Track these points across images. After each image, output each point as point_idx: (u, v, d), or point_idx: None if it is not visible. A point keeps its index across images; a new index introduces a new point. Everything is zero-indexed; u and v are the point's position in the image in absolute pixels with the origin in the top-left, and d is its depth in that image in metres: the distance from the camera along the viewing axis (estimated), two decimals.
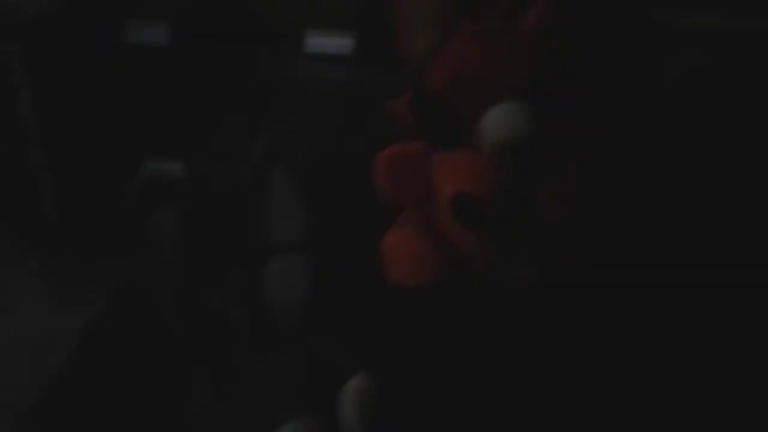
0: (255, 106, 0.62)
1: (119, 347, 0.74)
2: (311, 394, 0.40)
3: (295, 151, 0.43)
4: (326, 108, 0.48)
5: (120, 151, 1.52)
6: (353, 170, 0.64)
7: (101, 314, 0.84)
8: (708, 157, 0.72)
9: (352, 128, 0.66)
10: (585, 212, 0.69)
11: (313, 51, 0.61)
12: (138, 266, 0.93)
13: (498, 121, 0.63)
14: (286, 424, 0.39)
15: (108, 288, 1.15)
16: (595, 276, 0.70)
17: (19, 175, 1.47)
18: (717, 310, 0.60)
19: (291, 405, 0.40)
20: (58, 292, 1.44)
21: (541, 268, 0.69)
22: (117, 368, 0.71)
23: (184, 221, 0.37)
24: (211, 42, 1.01)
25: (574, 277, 0.70)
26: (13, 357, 1.29)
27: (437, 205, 0.69)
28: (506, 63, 0.65)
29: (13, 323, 1.37)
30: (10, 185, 1.49)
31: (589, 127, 0.71)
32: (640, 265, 0.70)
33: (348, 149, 0.65)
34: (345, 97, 0.66)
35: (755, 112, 0.74)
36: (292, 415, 0.39)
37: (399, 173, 0.70)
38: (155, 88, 1.49)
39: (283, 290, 0.42)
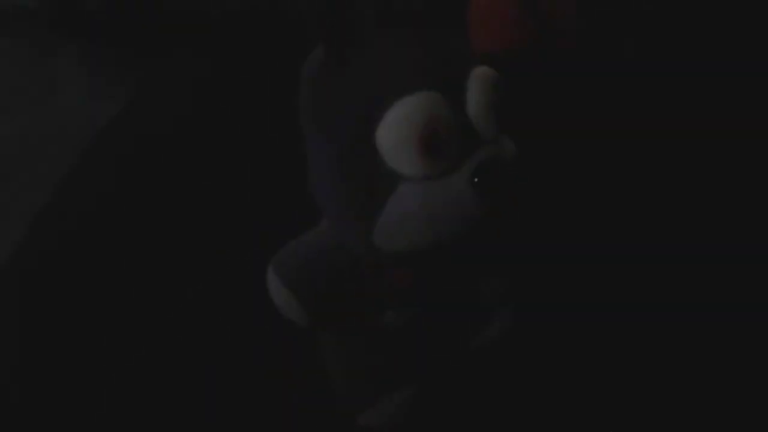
0: None
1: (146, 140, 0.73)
2: (435, 72, 0.38)
3: None
4: None
5: None
6: None
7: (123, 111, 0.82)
8: None
9: None
10: None
11: None
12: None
13: None
14: (412, 94, 0.36)
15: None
16: None
17: None
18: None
19: (417, 79, 0.37)
20: (96, 81, 1.42)
21: (637, 47, 0.65)
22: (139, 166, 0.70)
23: None
24: None
25: None
26: (47, 145, 1.29)
27: None
28: None
29: (51, 111, 1.36)
30: None
31: None
32: None
33: None
34: None
35: None
36: (417, 87, 0.37)
37: None
38: None
39: None
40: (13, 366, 0.58)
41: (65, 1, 1.47)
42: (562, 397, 0.52)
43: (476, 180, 0.37)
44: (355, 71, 0.38)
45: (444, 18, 0.41)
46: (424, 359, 0.48)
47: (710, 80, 0.68)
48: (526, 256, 0.49)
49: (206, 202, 0.66)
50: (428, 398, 0.49)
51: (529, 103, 0.51)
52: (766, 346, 0.55)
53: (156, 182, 0.69)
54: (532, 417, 0.52)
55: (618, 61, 0.66)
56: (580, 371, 0.53)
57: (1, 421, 0.54)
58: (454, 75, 0.38)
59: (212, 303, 0.59)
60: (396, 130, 0.37)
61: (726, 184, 0.64)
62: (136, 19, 1.45)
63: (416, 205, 0.38)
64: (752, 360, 0.55)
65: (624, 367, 0.54)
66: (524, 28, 0.66)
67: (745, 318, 0.56)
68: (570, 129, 0.63)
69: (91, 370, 0.56)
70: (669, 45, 0.68)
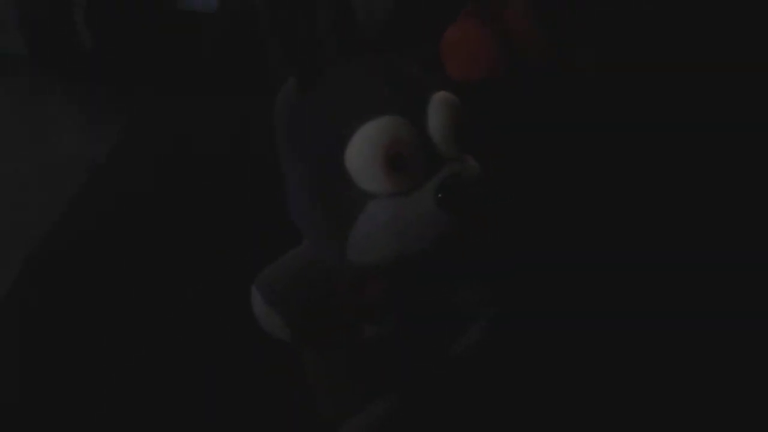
0: None
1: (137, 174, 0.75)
2: (397, 98, 0.41)
3: None
4: None
5: None
6: None
7: (119, 142, 0.84)
8: None
9: None
10: None
11: None
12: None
13: None
14: (376, 119, 0.40)
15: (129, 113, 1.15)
16: None
17: (56, 4, 1.46)
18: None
19: (380, 104, 0.41)
20: (88, 121, 1.45)
21: (598, 55, 0.69)
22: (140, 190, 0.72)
23: None
24: None
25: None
26: (40, 181, 1.31)
27: None
28: None
29: (44, 149, 1.39)
30: (47, 14, 1.49)
31: None
32: None
33: None
34: None
35: None
36: (381, 111, 0.40)
37: None
38: None
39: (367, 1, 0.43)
40: (14, 365, 0.60)
41: (56, 44, 1.50)
42: (543, 405, 0.54)
43: (440, 196, 0.40)
44: (323, 99, 0.42)
45: (404, 45, 0.44)
46: (404, 369, 0.50)
47: (671, 92, 0.71)
48: (499, 268, 0.52)
49: (204, 213, 0.68)
50: (409, 407, 0.51)
51: (496, 123, 0.54)
52: (760, 353, 0.57)
53: (154, 204, 0.71)
54: (513, 425, 0.54)
55: (581, 77, 0.69)
56: (559, 378, 0.56)
57: (1, 420, 0.56)
58: (416, 99, 0.41)
59: (212, 303, 0.61)
60: (363, 152, 0.40)
61: (701, 191, 0.66)
62: (129, 58, 1.48)
63: (385, 221, 0.41)
64: (744, 368, 0.57)
65: (604, 374, 0.56)
66: (496, 59, 0.70)
67: (731, 326, 0.58)
68: (538, 145, 0.66)
69: (91, 369, 0.58)
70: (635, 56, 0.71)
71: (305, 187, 0.43)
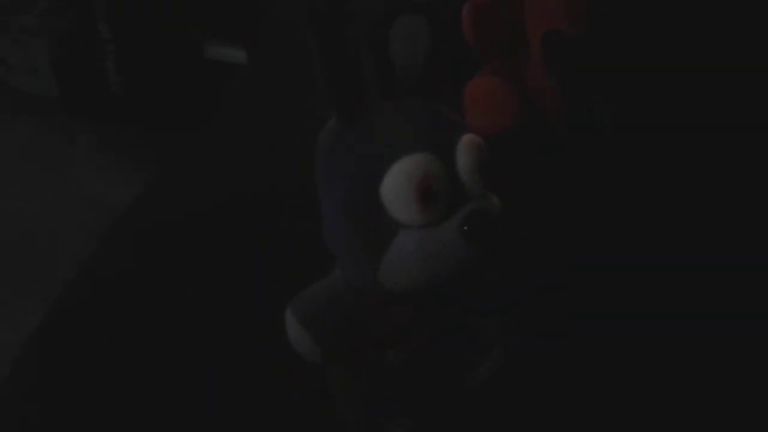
0: None
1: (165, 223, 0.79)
2: (430, 137, 0.46)
3: None
4: None
5: (183, 33, 1.56)
6: None
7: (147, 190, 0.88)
8: None
9: None
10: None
11: None
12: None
13: None
14: (411, 155, 0.44)
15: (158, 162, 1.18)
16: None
17: (87, 50, 1.52)
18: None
19: (415, 142, 0.45)
20: (115, 166, 1.50)
21: (619, 117, 0.73)
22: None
23: None
24: None
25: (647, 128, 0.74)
26: (63, 226, 1.35)
27: (525, 48, 0.73)
28: None
29: (66, 193, 1.43)
30: (77, 60, 1.54)
31: None
32: None
33: None
34: None
35: None
36: (415, 149, 0.45)
37: (485, 21, 0.74)
38: None
39: (405, 50, 0.48)
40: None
41: (86, 88, 1.55)
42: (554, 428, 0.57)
43: (465, 228, 0.45)
44: (363, 135, 0.47)
45: (436, 95, 0.49)
46: (421, 394, 0.54)
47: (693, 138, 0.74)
48: (518, 297, 0.55)
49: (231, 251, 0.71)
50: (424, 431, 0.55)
51: (516, 166, 0.59)
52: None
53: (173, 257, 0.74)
54: None
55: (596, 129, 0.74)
56: (577, 406, 0.59)
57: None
58: (446, 139, 0.46)
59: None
60: (397, 184, 0.44)
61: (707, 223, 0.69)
62: (157, 104, 1.53)
63: (414, 250, 0.45)
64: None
65: (620, 407, 0.59)
66: (515, 114, 0.75)
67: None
68: (556, 189, 0.70)
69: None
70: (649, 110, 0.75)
71: (342, 216, 0.47)
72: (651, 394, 0.59)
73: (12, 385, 0.64)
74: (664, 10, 0.74)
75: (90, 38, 1.49)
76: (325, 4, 0.42)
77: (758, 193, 0.72)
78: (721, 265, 0.65)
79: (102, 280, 0.74)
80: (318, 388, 0.55)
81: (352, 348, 0.51)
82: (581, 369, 0.60)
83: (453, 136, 0.46)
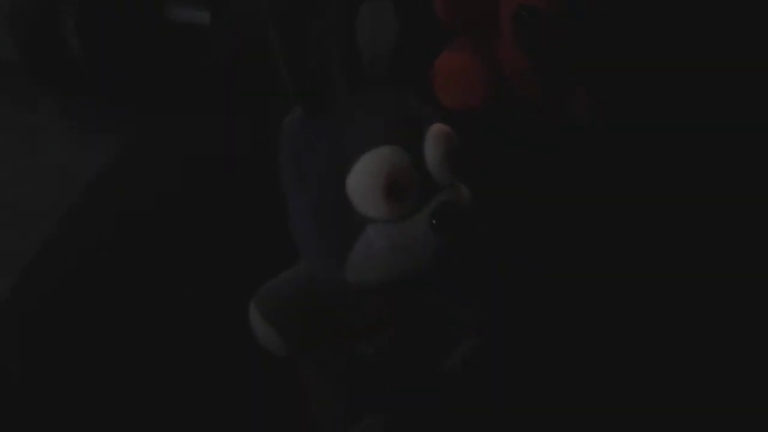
0: None
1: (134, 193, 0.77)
2: (396, 129, 0.45)
3: None
4: None
5: None
6: None
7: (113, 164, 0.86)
8: None
9: None
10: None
11: None
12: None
13: None
14: (376, 148, 0.43)
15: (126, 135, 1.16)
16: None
17: (45, 13, 1.48)
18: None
19: (380, 135, 0.44)
20: (77, 135, 1.47)
21: (595, 106, 0.72)
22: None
23: None
24: None
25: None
26: (29, 194, 1.33)
27: (497, 26, 0.71)
28: None
29: (31, 163, 1.40)
30: (36, 23, 1.50)
31: None
32: None
33: None
34: None
35: None
36: (381, 142, 0.43)
37: None
38: None
39: (372, 35, 0.46)
40: (13, 360, 0.62)
41: (46, 53, 1.51)
42: (535, 419, 0.57)
43: (434, 221, 0.44)
44: (328, 128, 0.45)
45: (405, 81, 0.47)
46: (397, 383, 0.53)
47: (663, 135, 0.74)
48: (490, 284, 0.55)
49: (203, 220, 0.70)
50: (403, 422, 0.54)
51: (486, 152, 0.58)
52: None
53: (153, 213, 0.73)
54: None
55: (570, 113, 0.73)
56: (553, 391, 0.58)
57: (1, 416, 0.58)
58: (413, 131, 0.45)
59: (211, 302, 0.63)
60: (363, 179, 0.43)
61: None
62: (120, 69, 1.50)
63: (382, 245, 0.44)
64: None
65: (600, 388, 0.59)
66: (486, 89, 0.73)
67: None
68: (537, 182, 0.69)
69: (90, 369, 0.61)
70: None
71: (307, 211, 0.46)
72: (630, 384, 0.59)
73: None
74: None
75: (48, 1, 1.45)
76: None
77: (748, 187, 0.71)
78: (708, 261, 0.64)
79: (69, 258, 0.73)
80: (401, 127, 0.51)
81: (320, 340, 0.50)
82: (558, 356, 0.59)
83: (420, 126, 0.45)
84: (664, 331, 0.62)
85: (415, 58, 0.49)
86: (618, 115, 0.72)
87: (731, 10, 0.74)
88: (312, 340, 0.50)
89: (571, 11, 0.67)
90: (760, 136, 0.73)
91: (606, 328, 0.62)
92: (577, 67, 0.71)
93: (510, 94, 0.72)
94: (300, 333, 0.49)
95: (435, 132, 0.45)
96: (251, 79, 0.90)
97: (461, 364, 0.54)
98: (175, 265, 0.69)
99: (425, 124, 0.45)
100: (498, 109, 0.73)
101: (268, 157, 0.50)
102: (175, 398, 0.59)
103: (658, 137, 0.73)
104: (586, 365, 0.60)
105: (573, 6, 0.66)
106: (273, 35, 0.41)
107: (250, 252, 0.66)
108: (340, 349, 0.51)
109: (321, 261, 0.47)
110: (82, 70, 1.51)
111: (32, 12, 1.52)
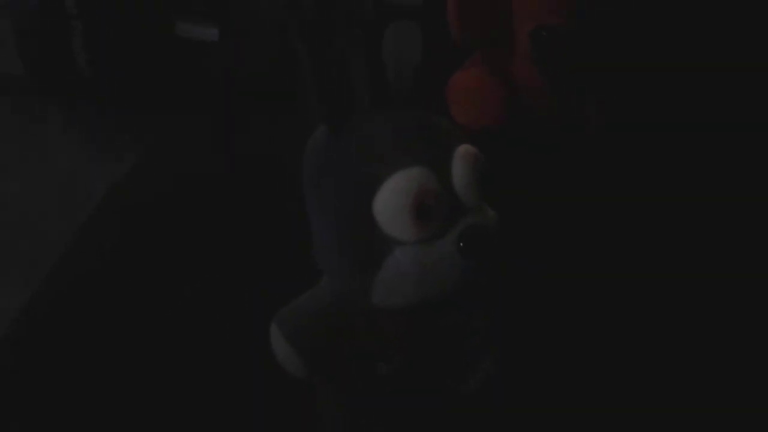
0: None
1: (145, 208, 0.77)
2: (424, 150, 0.44)
3: None
4: None
5: (153, 9, 1.53)
6: None
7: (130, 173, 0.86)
8: None
9: None
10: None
11: None
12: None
13: None
14: (405, 169, 0.42)
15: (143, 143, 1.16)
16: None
17: (53, 27, 1.48)
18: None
19: (409, 155, 0.43)
20: (84, 147, 1.47)
21: (607, 116, 0.72)
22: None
23: None
24: None
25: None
26: (37, 207, 1.32)
27: (512, 44, 0.71)
28: None
29: (39, 174, 1.40)
30: (43, 37, 1.50)
31: None
32: None
33: None
34: None
35: None
36: (409, 162, 0.43)
37: (471, 15, 0.72)
38: None
39: (398, 54, 0.46)
40: (12, 364, 0.62)
41: (53, 67, 1.51)
42: (535, 420, 0.56)
43: (461, 244, 0.43)
44: (354, 147, 0.45)
45: (429, 101, 0.47)
46: (413, 405, 0.53)
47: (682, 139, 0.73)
48: (510, 304, 0.54)
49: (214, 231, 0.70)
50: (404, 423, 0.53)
51: (509, 173, 0.58)
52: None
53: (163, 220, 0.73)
54: None
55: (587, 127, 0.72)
56: (569, 413, 0.58)
57: (1, 416, 0.58)
58: (441, 152, 0.44)
59: (211, 302, 0.63)
60: (391, 200, 0.43)
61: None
62: (126, 83, 1.50)
63: (409, 267, 0.44)
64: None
65: (597, 390, 0.58)
66: (500, 107, 0.73)
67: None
68: (550, 195, 0.69)
69: (90, 369, 0.61)
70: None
71: (332, 231, 0.45)
72: (645, 397, 0.59)
73: None
74: (658, 8, 0.73)
75: (56, 15, 1.45)
76: (312, 14, 0.41)
77: (752, 192, 0.71)
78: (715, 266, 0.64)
79: (83, 271, 0.73)
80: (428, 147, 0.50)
81: (339, 361, 0.49)
82: (574, 376, 0.59)
83: (448, 147, 0.45)
84: (663, 331, 0.62)
85: (439, 78, 0.49)
86: (620, 118, 0.72)
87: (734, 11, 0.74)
88: (332, 362, 0.49)
89: (587, 28, 0.67)
90: (760, 136, 0.73)
91: (605, 328, 0.62)
92: (591, 80, 0.71)
93: (524, 111, 0.71)
94: (321, 354, 0.48)
95: (463, 153, 0.44)
96: (261, 94, 0.91)
97: (477, 386, 0.54)
98: (179, 269, 0.69)
99: (452, 145, 0.45)
100: (512, 125, 0.72)
101: (283, 174, 0.49)
102: (175, 399, 0.59)
103: (658, 137, 0.73)
104: (586, 365, 0.60)
105: (589, 22, 0.66)
106: (299, 52, 0.41)
107: (262, 263, 0.66)
108: (358, 369, 0.51)
109: (346, 282, 0.47)
110: (90, 85, 1.51)
111: (41, 27, 1.52)
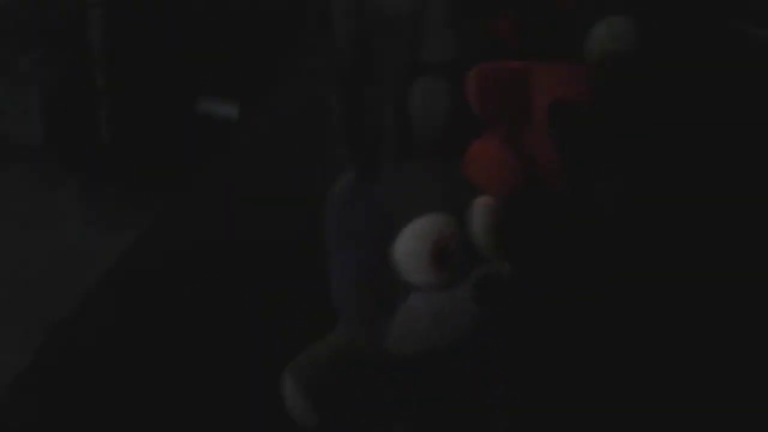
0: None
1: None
2: (445, 198, 0.46)
3: None
4: None
5: (179, 86, 1.57)
6: None
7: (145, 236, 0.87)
8: None
9: None
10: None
11: None
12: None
13: (606, 33, 0.67)
14: (425, 215, 0.44)
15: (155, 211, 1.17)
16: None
17: (80, 99, 1.52)
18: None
19: (429, 203, 0.45)
20: (100, 216, 1.49)
21: (624, 190, 0.73)
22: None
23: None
24: None
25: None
26: (48, 273, 1.33)
27: (529, 118, 0.73)
28: None
29: (51, 242, 1.42)
30: (69, 109, 1.55)
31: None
32: None
33: None
34: None
35: None
36: (430, 209, 0.44)
37: (491, 91, 0.74)
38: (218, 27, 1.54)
39: (425, 113, 0.48)
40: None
41: (75, 137, 1.55)
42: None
43: (476, 293, 0.44)
44: (378, 194, 0.46)
45: (454, 155, 0.49)
46: None
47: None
48: (528, 364, 0.54)
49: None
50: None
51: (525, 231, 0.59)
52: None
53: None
54: None
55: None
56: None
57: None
58: (460, 201, 0.46)
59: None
60: (411, 245, 0.44)
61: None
62: (146, 157, 1.53)
63: (425, 313, 0.45)
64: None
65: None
66: (516, 179, 0.74)
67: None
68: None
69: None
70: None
71: (351, 275, 0.46)
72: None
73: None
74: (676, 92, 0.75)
75: (84, 87, 1.50)
76: (351, 63, 0.43)
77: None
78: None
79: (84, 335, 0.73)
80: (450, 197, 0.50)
81: (353, 415, 0.49)
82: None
83: (468, 197, 0.46)
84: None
85: (465, 135, 0.50)
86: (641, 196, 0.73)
87: None
88: (345, 413, 0.49)
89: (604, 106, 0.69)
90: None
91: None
92: (607, 156, 0.72)
93: (540, 184, 0.73)
94: (334, 409, 0.48)
95: (482, 203, 0.46)
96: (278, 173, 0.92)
97: None
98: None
99: (472, 195, 0.46)
100: (529, 196, 0.74)
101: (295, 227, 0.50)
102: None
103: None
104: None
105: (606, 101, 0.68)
106: (335, 100, 0.43)
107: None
108: (372, 427, 0.51)
109: (362, 327, 0.47)
110: (112, 157, 1.54)
111: (67, 100, 1.56)
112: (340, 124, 0.42)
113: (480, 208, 0.46)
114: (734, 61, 0.81)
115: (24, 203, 1.49)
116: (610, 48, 0.68)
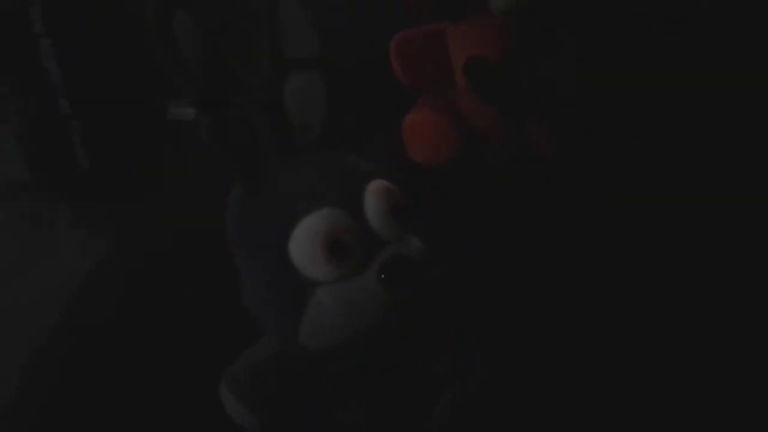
0: None
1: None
2: (332, 190, 0.46)
3: None
4: None
5: (144, 96, 1.57)
6: None
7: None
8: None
9: None
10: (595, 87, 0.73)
11: None
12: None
13: None
14: (314, 212, 0.44)
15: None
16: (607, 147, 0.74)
17: (51, 128, 1.53)
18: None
19: (318, 199, 0.45)
20: (91, 242, 1.50)
21: (558, 141, 0.73)
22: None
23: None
24: None
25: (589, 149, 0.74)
26: (49, 303, 1.35)
27: (454, 80, 0.73)
28: None
29: (50, 271, 1.43)
30: (44, 139, 1.55)
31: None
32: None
33: None
34: None
35: None
36: (318, 205, 0.44)
37: (413, 56, 0.74)
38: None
39: (301, 107, 0.48)
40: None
41: (55, 166, 1.55)
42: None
43: (382, 276, 0.44)
44: (266, 199, 0.47)
45: (342, 145, 0.49)
46: None
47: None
48: (464, 333, 0.54)
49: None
50: None
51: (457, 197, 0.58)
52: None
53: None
54: None
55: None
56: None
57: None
58: (351, 190, 0.46)
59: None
60: (303, 243, 0.44)
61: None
62: (126, 173, 1.53)
63: (333, 305, 0.45)
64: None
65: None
66: (455, 143, 0.74)
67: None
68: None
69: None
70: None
71: (257, 280, 0.47)
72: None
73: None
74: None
75: (52, 116, 1.50)
76: (205, 75, 0.42)
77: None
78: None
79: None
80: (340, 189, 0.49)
81: (294, 414, 0.50)
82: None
83: (359, 184, 0.46)
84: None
85: (350, 123, 0.50)
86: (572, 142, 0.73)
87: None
88: (286, 413, 0.50)
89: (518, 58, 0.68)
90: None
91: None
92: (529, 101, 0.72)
93: (478, 144, 0.73)
94: (273, 409, 0.49)
95: (373, 188, 0.46)
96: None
97: (446, 419, 0.54)
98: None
99: (363, 181, 0.46)
100: (466, 158, 0.74)
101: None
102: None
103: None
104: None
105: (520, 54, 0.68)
106: (197, 115, 0.43)
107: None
108: (315, 419, 0.51)
109: (277, 330, 0.48)
110: (91, 178, 1.54)
111: (41, 131, 1.56)
112: (213, 136, 0.42)
113: (372, 193, 0.46)
114: None
115: (14, 238, 1.50)
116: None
